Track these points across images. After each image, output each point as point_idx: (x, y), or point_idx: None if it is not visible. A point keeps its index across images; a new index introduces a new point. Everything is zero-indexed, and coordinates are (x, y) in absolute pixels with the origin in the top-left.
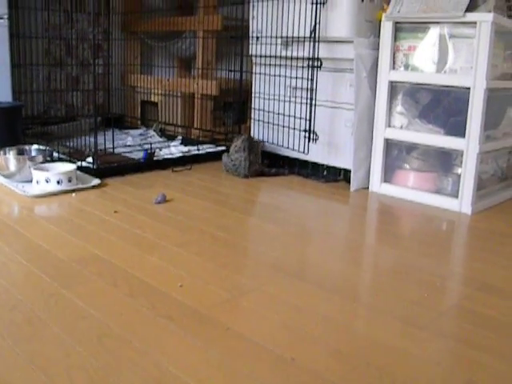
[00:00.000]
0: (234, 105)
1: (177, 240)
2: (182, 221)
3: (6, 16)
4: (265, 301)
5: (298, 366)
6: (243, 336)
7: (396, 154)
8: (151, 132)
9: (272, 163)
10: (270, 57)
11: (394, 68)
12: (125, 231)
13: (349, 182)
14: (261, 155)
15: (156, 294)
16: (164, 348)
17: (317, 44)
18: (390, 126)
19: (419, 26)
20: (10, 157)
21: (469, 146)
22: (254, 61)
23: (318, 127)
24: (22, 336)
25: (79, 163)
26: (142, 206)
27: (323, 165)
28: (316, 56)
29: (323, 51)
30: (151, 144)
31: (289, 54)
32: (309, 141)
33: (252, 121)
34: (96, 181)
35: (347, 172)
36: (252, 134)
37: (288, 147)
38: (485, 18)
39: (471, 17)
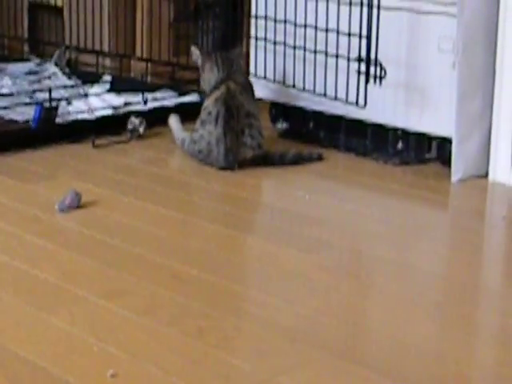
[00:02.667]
0: (217, 10)
1: (105, 285)
2: (113, 245)
3: None
4: None
5: None
6: None
7: None
8: (50, 67)
9: (294, 127)
10: None
11: None
12: (1, 268)
13: (448, 163)
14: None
15: None
16: None
17: None
18: None
19: None
20: None
21: None
22: None
23: (384, 53)
24: None
25: None
26: (32, 217)
27: (396, 130)
28: None
29: None
30: (50, 91)
31: None
32: (367, 81)
33: (252, 43)
34: None
35: (445, 144)
36: (253, 71)
37: (325, 95)
38: None
39: None
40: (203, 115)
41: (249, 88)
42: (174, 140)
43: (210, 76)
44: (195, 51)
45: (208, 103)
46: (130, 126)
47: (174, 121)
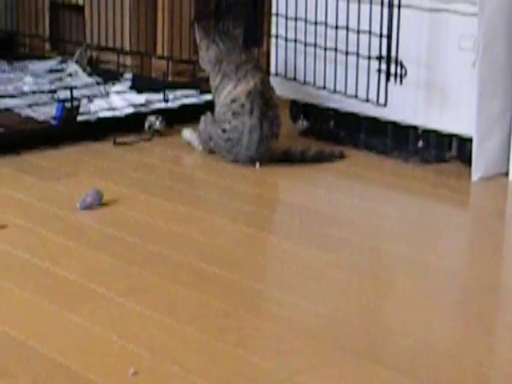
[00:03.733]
0: (237, 9)
1: (125, 283)
2: (134, 243)
3: None
4: None
5: None
6: None
7: None
8: (72, 65)
9: (314, 126)
10: None
11: None
12: (21, 265)
13: (468, 162)
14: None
15: None
16: None
17: None
18: None
19: None
20: None
21: None
22: None
23: (405, 52)
24: None
25: None
26: (54, 215)
27: (416, 128)
28: None
29: None
30: (72, 90)
31: None
32: (387, 80)
33: (273, 41)
34: None
35: (465, 142)
36: (273, 69)
37: (345, 93)
38: None
39: None
40: (235, 107)
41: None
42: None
43: (209, 54)
44: (197, 30)
45: (238, 95)
46: (147, 124)
47: (188, 133)
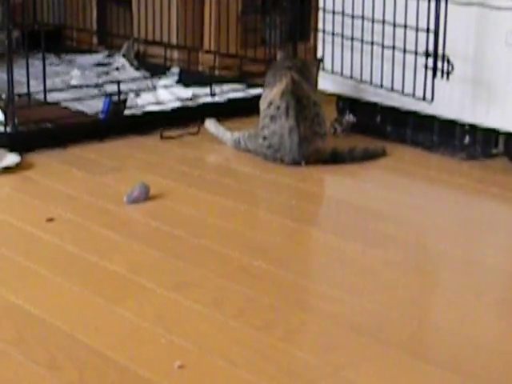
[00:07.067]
0: (284, 3)
1: (172, 277)
2: (180, 237)
3: None
4: None
5: None
6: None
7: None
8: (119, 59)
9: (361, 121)
10: None
11: None
12: (69, 259)
13: None
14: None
15: (133, 381)
16: None
17: None
18: None
19: None
20: None
21: None
22: None
23: (452, 49)
24: None
25: None
26: (101, 209)
27: (463, 124)
28: None
29: None
30: (119, 84)
31: None
32: (434, 76)
33: (320, 36)
34: (12, 158)
35: (511, 138)
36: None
37: (392, 89)
38: None
39: None
40: (271, 111)
41: (308, 73)
42: (221, 141)
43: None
44: None
45: (273, 97)
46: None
47: (212, 125)
